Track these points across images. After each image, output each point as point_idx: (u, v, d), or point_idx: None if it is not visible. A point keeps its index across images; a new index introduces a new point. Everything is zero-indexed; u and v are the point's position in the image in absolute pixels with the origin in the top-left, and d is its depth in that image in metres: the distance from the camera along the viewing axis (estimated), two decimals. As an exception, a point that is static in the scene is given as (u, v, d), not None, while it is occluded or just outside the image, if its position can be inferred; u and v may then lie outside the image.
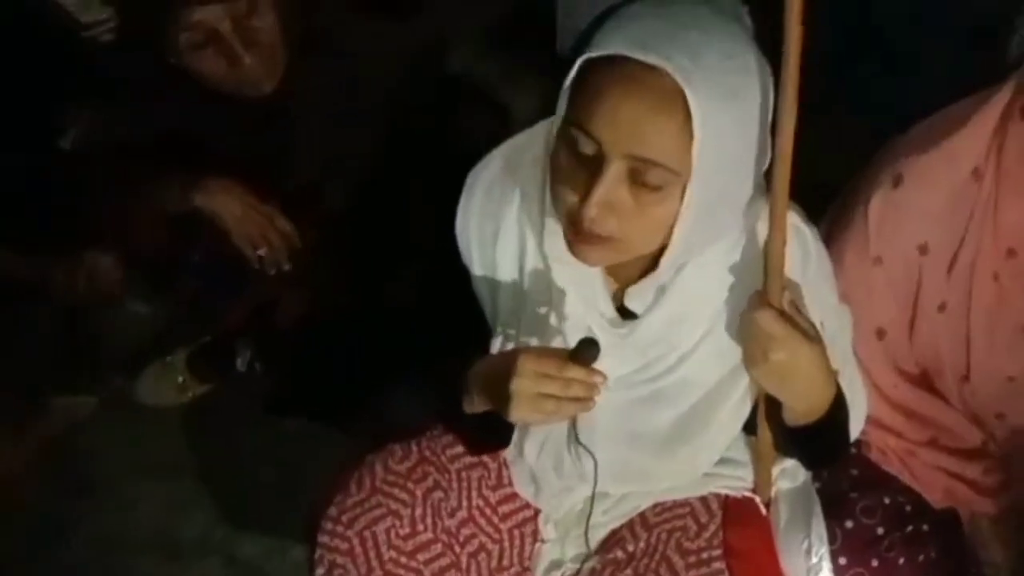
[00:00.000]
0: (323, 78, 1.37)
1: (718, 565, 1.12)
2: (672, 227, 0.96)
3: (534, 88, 1.51)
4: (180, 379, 1.78)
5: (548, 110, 1.01)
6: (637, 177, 0.93)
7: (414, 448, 1.25)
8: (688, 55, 0.88)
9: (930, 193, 1.13)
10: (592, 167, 0.93)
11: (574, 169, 0.95)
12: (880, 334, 1.21)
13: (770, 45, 0.88)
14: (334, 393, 1.57)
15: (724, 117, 0.90)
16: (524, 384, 0.98)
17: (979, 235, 1.13)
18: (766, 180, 0.97)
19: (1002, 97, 1.10)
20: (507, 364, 0.99)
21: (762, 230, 1.02)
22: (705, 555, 1.13)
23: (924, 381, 1.27)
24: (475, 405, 1.10)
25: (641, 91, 0.89)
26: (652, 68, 0.89)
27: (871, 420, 1.21)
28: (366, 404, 1.50)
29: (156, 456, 1.72)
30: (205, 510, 1.68)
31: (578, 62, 0.93)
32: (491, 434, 1.18)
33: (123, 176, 1.38)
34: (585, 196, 0.93)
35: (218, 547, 1.64)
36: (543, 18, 1.62)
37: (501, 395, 1.00)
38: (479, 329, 1.17)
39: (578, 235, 0.97)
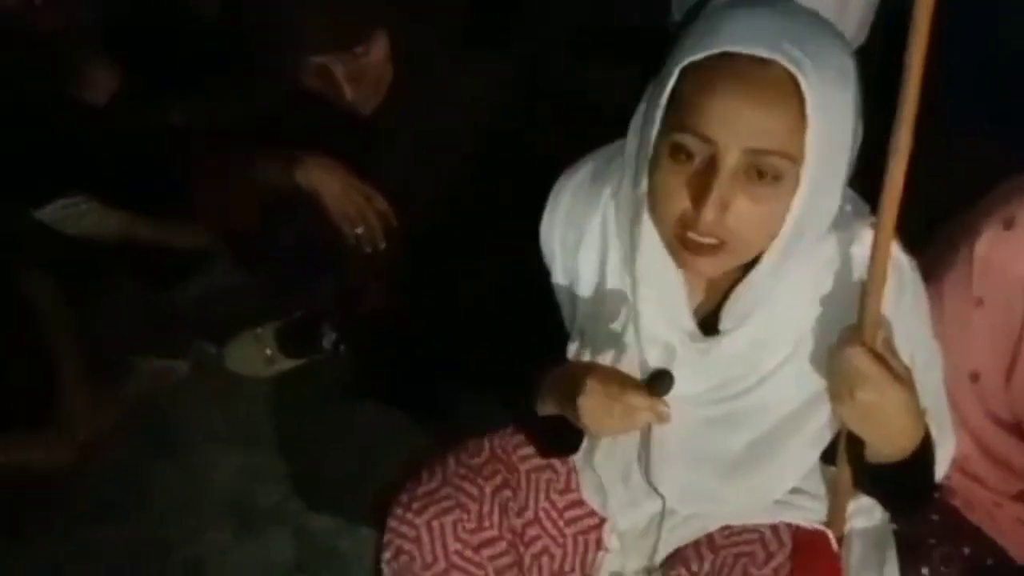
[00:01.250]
0: (419, 100, 1.41)
1: (783, 597, 1.10)
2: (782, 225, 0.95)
3: (623, 88, 1.52)
4: (268, 351, 1.83)
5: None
6: (753, 172, 0.92)
7: (486, 444, 1.26)
8: (795, 43, 0.89)
9: None
10: (704, 170, 0.93)
11: (683, 176, 0.95)
12: (975, 377, 1.18)
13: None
14: (411, 384, 1.59)
15: (833, 100, 0.91)
16: (589, 403, 1.00)
17: (1091, 283, 1.09)
18: (869, 203, 0.96)
19: None
20: (579, 377, 1.02)
21: (857, 254, 1.00)
22: (770, 584, 1.12)
23: (1018, 430, 1.22)
24: (548, 409, 1.11)
25: (754, 84, 0.90)
26: (760, 60, 0.89)
27: (958, 466, 1.18)
28: (439, 398, 1.52)
29: (238, 425, 1.77)
30: (280, 482, 1.72)
31: (676, 69, 0.93)
32: (561, 439, 1.19)
33: (228, 150, 1.44)
34: (700, 202, 0.93)
35: (290, 518, 1.68)
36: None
37: (572, 408, 1.02)
38: (555, 335, 1.18)
39: (689, 246, 0.97)
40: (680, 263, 1.01)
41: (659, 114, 0.96)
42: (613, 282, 1.10)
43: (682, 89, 0.94)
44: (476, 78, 1.42)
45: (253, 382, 1.83)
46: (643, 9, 1.64)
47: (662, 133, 0.96)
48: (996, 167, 1.20)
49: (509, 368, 1.19)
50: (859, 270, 1.00)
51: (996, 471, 1.21)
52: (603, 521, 1.26)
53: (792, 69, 0.88)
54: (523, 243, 1.17)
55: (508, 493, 1.22)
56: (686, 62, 0.93)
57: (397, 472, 1.26)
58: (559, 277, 1.15)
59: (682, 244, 0.98)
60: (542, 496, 1.25)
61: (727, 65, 0.91)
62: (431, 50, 1.41)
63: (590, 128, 1.16)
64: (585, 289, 1.13)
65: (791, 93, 0.89)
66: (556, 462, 1.27)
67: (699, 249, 0.96)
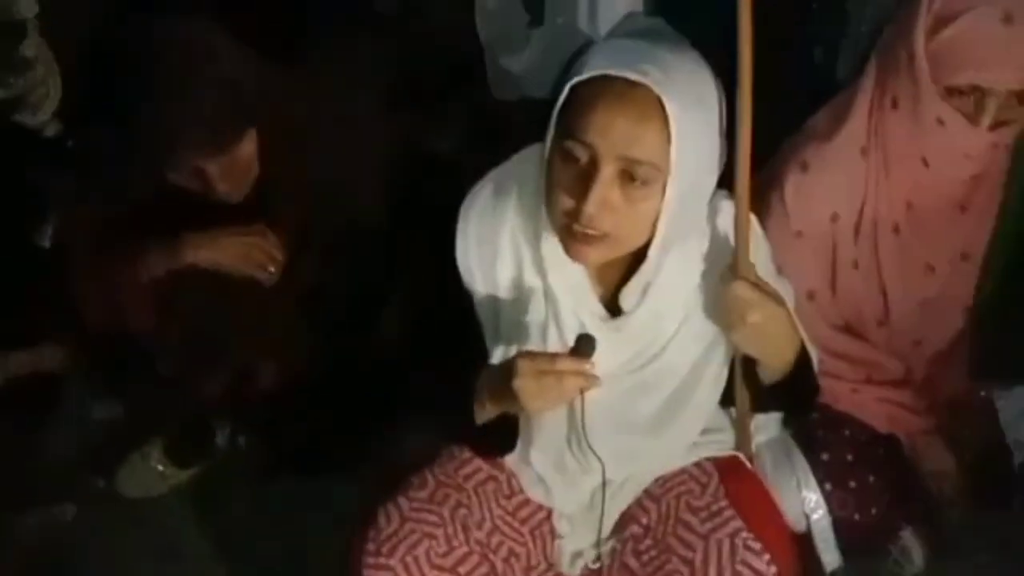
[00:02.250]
0: (295, 175, 1.46)
1: (729, 512, 1.26)
2: (655, 223, 1.13)
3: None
4: (160, 468, 1.79)
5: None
6: (627, 176, 1.10)
7: (428, 476, 1.34)
8: (661, 70, 1.08)
9: (832, 173, 1.38)
10: (587, 173, 1.10)
11: (570, 177, 1.12)
12: (810, 295, 1.44)
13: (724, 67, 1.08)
14: (331, 445, 1.64)
15: (694, 120, 1.10)
16: (523, 382, 1.11)
17: (875, 199, 1.38)
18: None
19: (865, 92, 1.36)
20: (508, 368, 1.13)
21: (720, 222, 1.21)
22: (715, 507, 1.28)
23: (850, 330, 1.50)
24: (487, 412, 1.21)
25: (627, 102, 1.08)
26: (633, 83, 1.08)
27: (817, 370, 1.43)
28: (366, 448, 1.59)
29: (152, 545, 1.71)
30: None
31: (567, 87, 1.11)
32: (499, 439, 1.29)
33: (109, 249, 1.42)
34: (583, 198, 1.10)
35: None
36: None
37: (508, 396, 1.13)
38: (481, 351, 1.29)
39: (576, 236, 1.13)
40: (569, 253, 1.17)
41: (553, 123, 1.13)
42: (530, 285, 1.24)
43: (570, 104, 1.11)
44: (359, 147, 1.49)
45: (155, 502, 1.78)
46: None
47: (554, 142, 1.14)
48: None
49: (442, 391, 1.27)
50: (725, 230, 1.22)
51: (844, 365, 1.47)
52: (551, 511, 1.37)
53: (658, 91, 1.07)
54: (433, 278, 1.28)
55: (464, 511, 1.31)
56: (574, 82, 1.11)
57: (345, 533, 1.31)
58: (480, 291, 1.27)
59: (570, 235, 1.14)
60: (493, 505, 1.35)
61: (606, 85, 1.09)
62: (308, 127, 1.46)
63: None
64: (506, 298, 1.25)
65: (657, 112, 1.08)
66: (495, 471, 1.37)
67: (585, 239, 1.13)
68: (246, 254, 1.50)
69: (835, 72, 1.65)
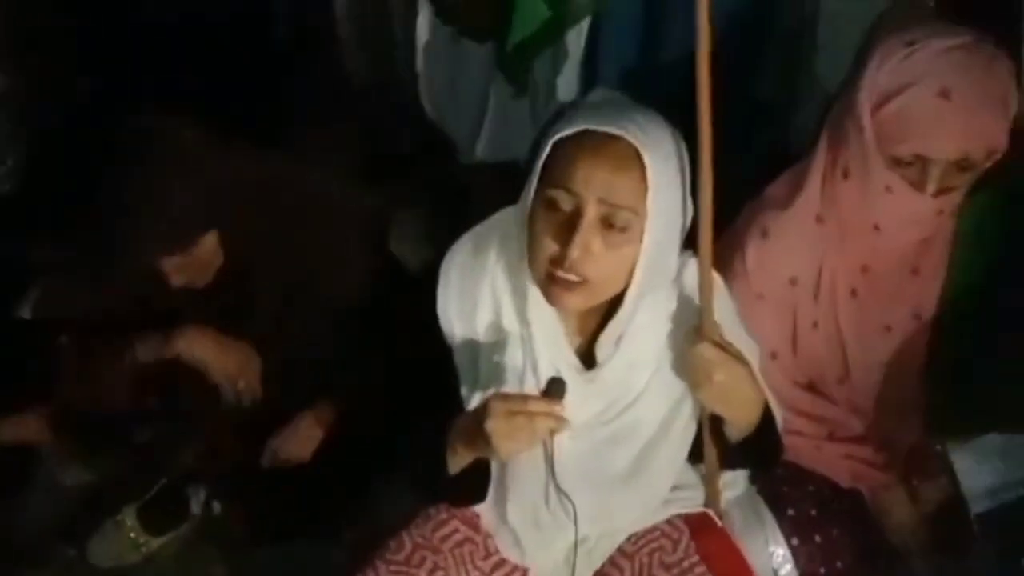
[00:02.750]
0: (262, 263, 1.50)
1: (700, 569, 1.32)
2: (631, 273, 1.20)
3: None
4: (132, 535, 1.78)
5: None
6: (607, 224, 1.17)
7: (405, 538, 1.37)
8: (638, 127, 1.17)
9: (790, 240, 1.45)
10: (570, 220, 1.17)
11: (553, 225, 1.19)
12: (773, 355, 1.49)
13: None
14: (307, 510, 1.65)
15: (666, 173, 1.18)
16: (496, 424, 1.15)
17: (832, 264, 1.46)
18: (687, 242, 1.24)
19: (817, 163, 1.44)
20: (481, 410, 1.17)
21: (687, 280, 1.28)
22: (686, 563, 1.33)
23: (812, 388, 1.55)
24: (460, 458, 1.24)
25: (608, 153, 1.16)
26: (613, 137, 1.16)
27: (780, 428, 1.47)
28: (343, 512, 1.60)
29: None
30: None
31: (549, 144, 1.19)
32: (472, 488, 1.32)
33: (99, 338, 1.45)
34: (567, 243, 1.17)
35: None
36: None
37: (480, 439, 1.16)
38: (450, 408, 1.31)
39: (558, 283, 1.19)
40: (551, 300, 1.23)
41: (535, 178, 1.20)
42: (509, 335, 1.29)
43: (553, 158, 1.19)
44: (330, 232, 1.54)
45: (127, 570, 1.77)
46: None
47: (537, 193, 1.20)
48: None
49: (416, 441, 1.30)
50: (691, 290, 1.28)
51: (807, 422, 1.52)
52: (527, 571, 1.40)
53: (636, 144, 1.16)
54: (410, 336, 1.31)
55: (441, 573, 1.34)
56: (557, 137, 1.18)
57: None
58: (459, 345, 1.31)
59: (552, 282, 1.20)
60: (470, 566, 1.38)
61: (588, 138, 1.17)
62: (270, 231, 1.50)
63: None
64: (485, 348, 1.30)
65: (635, 163, 1.16)
66: (471, 532, 1.40)
67: (567, 286, 1.19)
68: (226, 364, 1.55)
69: (786, 140, 1.74)
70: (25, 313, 1.56)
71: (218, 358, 1.51)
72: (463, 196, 1.95)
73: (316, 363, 1.57)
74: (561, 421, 1.16)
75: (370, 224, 1.58)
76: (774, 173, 1.54)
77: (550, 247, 1.19)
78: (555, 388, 1.17)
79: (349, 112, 1.96)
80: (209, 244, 1.43)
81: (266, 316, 1.54)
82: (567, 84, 1.78)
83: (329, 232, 1.53)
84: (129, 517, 1.79)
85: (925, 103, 1.28)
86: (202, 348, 1.50)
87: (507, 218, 1.32)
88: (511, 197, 1.33)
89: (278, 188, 1.50)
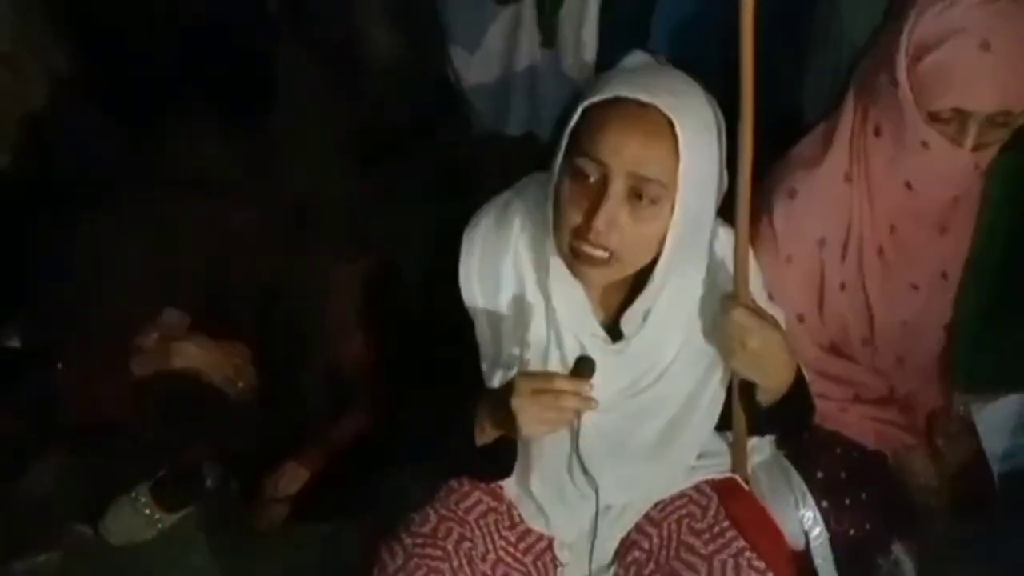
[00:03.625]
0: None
1: (731, 534, 1.29)
2: (659, 245, 1.16)
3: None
4: (147, 511, 1.75)
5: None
6: (635, 195, 1.13)
7: (430, 511, 1.34)
8: (672, 96, 1.12)
9: (818, 200, 1.42)
10: (596, 190, 1.14)
11: (580, 195, 1.15)
12: (800, 319, 1.48)
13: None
14: (325, 488, 1.63)
15: (701, 144, 1.14)
16: (522, 401, 1.13)
17: (860, 223, 1.43)
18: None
19: (845, 121, 1.41)
20: (508, 388, 1.15)
21: (718, 250, 1.25)
22: (716, 529, 1.31)
23: (836, 350, 1.54)
24: (487, 434, 1.22)
25: (638, 123, 1.12)
26: (645, 105, 1.12)
27: (807, 391, 1.46)
28: (362, 491, 1.58)
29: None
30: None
31: (580, 108, 1.15)
32: (498, 463, 1.29)
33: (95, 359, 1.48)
34: (592, 215, 1.13)
35: None
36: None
37: (507, 417, 1.14)
38: (471, 383, 1.29)
39: (582, 254, 1.16)
40: (575, 273, 1.19)
41: (563, 144, 1.16)
42: (533, 307, 1.26)
43: (582, 126, 1.15)
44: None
45: (141, 553, 1.74)
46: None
47: (565, 161, 1.16)
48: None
49: (442, 416, 1.27)
50: (721, 256, 1.25)
51: (832, 386, 1.51)
52: (552, 541, 1.38)
53: (668, 113, 1.11)
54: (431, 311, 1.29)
55: (468, 544, 1.31)
56: (587, 103, 1.14)
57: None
58: (481, 317, 1.28)
59: (577, 254, 1.17)
60: (496, 536, 1.36)
61: (618, 107, 1.13)
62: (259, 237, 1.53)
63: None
64: (508, 321, 1.27)
65: (667, 133, 1.12)
66: (495, 502, 1.38)
67: (592, 259, 1.16)
68: (223, 368, 1.60)
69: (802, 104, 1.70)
70: (13, 341, 1.53)
71: (213, 364, 1.55)
72: (473, 166, 1.91)
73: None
74: (588, 401, 1.13)
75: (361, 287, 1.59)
76: (789, 138, 1.51)
77: (575, 218, 1.15)
78: (583, 366, 1.15)
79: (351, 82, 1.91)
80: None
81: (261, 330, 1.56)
82: (590, 39, 1.73)
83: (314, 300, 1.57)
84: (143, 494, 1.76)
85: (966, 55, 1.26)
86: (197, 357, 1.54)
87: (532, 186, 1.28)
88: (527, 169, 1.31)
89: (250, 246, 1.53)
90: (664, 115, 1.12)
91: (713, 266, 1.26)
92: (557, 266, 1.22)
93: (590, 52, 1.74)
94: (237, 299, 1.55)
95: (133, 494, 1.76)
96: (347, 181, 1.62)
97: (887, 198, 1.40)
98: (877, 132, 1.36)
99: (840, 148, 1.41)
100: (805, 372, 1.34)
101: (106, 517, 1.76)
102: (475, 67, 1.82)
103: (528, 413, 1.13)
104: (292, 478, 1.65)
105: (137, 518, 1.76)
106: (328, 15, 1.82)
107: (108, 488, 1.77)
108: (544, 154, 1.21)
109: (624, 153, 1.12)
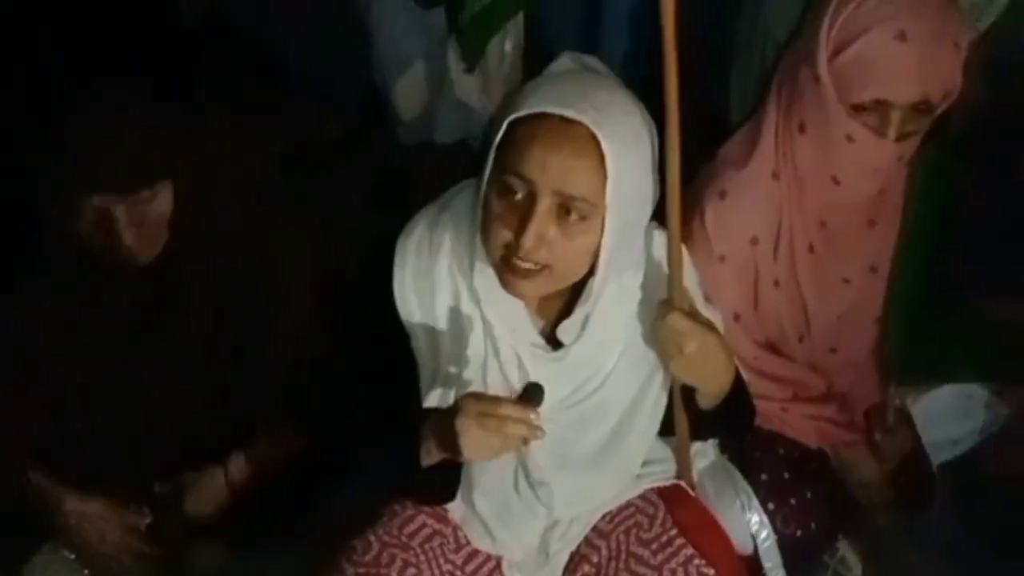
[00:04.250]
0: (203, 254, 1.42)
1: (680, 541, 1.27)
2: (595, 256, 1.14)
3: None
4: (74, 557, 1.65)
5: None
6: (563, 211, 1.11)
7: (372, 538, 1.30)
8: (597, 109, 1.10)
9: (748, 199, 1.43)
10: (524, 207, 1.11)
11: (507, 211, 1.12)
12: (736, 318, 1.47)
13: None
14: (263, 515, 1.57)
15: (628, 157, 1.11)
16: (466, 423, 1.09)
17: (790, 220, 1.44)
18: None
19: (770, 120, 1.42)
20: (454, 409, 1.12)
21: (653, 253, 1.23)
22: (665, 538, 1.29)
23: (773, 348, 1.54)
24: (432, 455, 1.18)
25: (563, 139, 1.09)
26: (570, 121, 1.09)
27: (747, 391, 1.45)
28: (301, 516, 1.53)
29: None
30: None
31: (505, 123, 1.12)
32: (442, 484, 1.26)
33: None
34: (520, 231, 1.10)
35: None
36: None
37: (452, 437, 1.10)
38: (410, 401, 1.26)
39: (513, 269, 1.13)
40: (506, 287, 1.17)
41: (491, 157, 1.13)
42: (469, 315, 1.23)
43: (508, 141, 1.12)
44: (273, 233, 1.45)
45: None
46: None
47: (492, 177, 1.14)
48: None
49: (383, 437, 1.23)
50: (658, 259, 1.23)
51: (771, 385, 1.51)
52: (500, 560, 1.35)
53: (594, 129, 1.09)
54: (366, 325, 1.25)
55: (413, 571, 1.28)
56: (512, 118, 1.11)
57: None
58: (418, 329, 1.25)
59: (507, 268, 1.14)
60: (442, 561, 1.32)
61: (543, 122, 1.10)
62: (221, 205, 1.41)
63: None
64: (445, 332, 1.24)
65: (593, 149, 1.09)
66: (440, 526, 1.34)
67: (523, 273, 1.13)
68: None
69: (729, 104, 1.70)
70: None
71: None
72: (404, 178, 1.87)
73: (261, 369, 1.49)
74: (534, 429, 1.10)
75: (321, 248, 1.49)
76: (720, 139, 1.51)
77: (504, 234, 1.13)
78: (532, 393, 1.12)
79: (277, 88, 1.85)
80: (164, 201, 1.33)
81: (202, 312, 1.44)
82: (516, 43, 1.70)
83: (277, 233, 1.45)
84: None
85: (883, 47, 1.27)
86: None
87: (461, 197, 1.26)
88: (461, 176, 1.27)
89: (224, 160, 1.42)
90: (590, 131, 1.09)
91: (650, 269, 1.25)
92: (490, 277, 1.19)
93: (515, 65, 1.71)
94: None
95: (55, 540, 1.66)
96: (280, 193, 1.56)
97: (815, 194, 1.40)
98: (802, 129, 1.37)
99: (766, 147, 1.41)
100: (744, 372, 1.33)
101: (29, 565, 1.66)
102: (401, 76, 1.78)
103: (471, 436, 1.09)
104: (209, 491, 1.55)
105: (60, 565, 1.66)
106: (249, 25, 1.77)
107: (31, 535, 1.67)
108: (476, 160, 1.18)
109: (549, 171, 1.09)
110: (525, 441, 1.11)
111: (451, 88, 1.75)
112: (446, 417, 1.12)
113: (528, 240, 1.10)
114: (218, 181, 1.40)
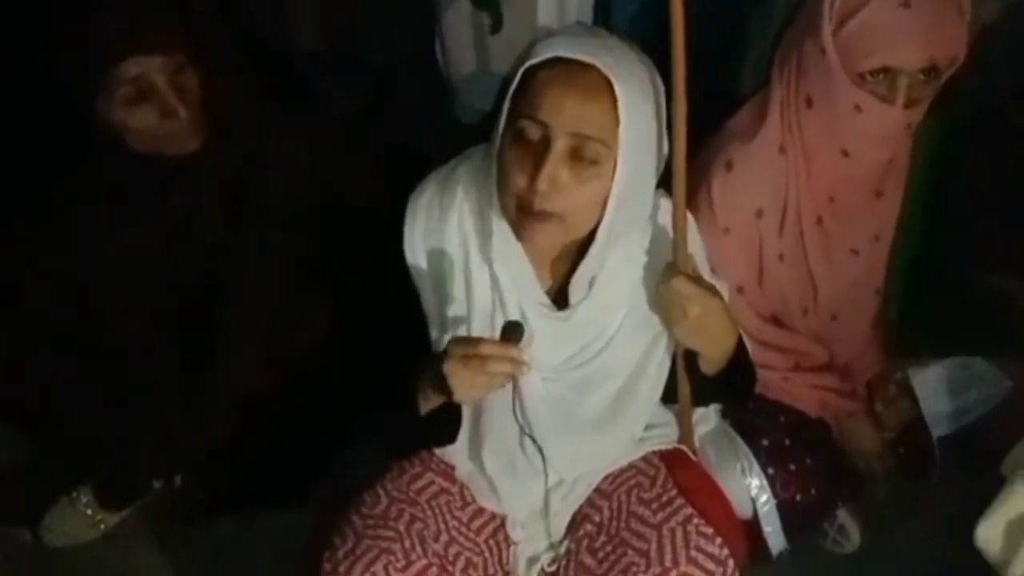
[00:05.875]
0: (232, 154, 1.46)
1: (680, 502, 1.29)
2: (603, 209, 1.17)
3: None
4: (89, 512, 1.70)
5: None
6: (576, 155, 1.14)
7: (381, 492, 1.34)
8: (612, 57, 1.14)
9: (755, 172, 1.44)
10: (538, 151, 1.14)
11: (522, 156, 1.15)
12: (740, 290, 1.49)
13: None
14: (269, 477, 1.61)
15: (640, 105, 1.15)
16: (452, 366, 1.13)
17: (797, 194, 1.45)
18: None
19: (775, 95, 1.43)
20: (443, 353, 1.15)
21: (659, 220, 1.26)
22: (665, 498, 1.31)
23: (776, 320, 1.56)
24: (430, 401, 1.23)
25: (578, 82, 1.13)
26: (585, 65, 1.13)
27: (750, 361, 1.48)
28: (315, 472, 1.56)
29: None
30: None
31: (520, 70, 1.15)
32: (441, 429, 1.30)
33: None
34: (535, 175, 1.13)
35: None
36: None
37: (442, 380, 1.14)
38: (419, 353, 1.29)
39: (528, 215, 1.16)
40: (521, 236, 1.19)
41: (505, 108, 1.17)
42: (477, 274, 1.26)
43: (523, 87, 1.15)
44: (294, 133, 1.49)
45: (83, 555, 1.69)
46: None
47: (507, 124, 1.17)
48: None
49: (385, 383, 1.27)
50: (664, 228, 1.26)
51: (774, 355, 1.53)
52: (504, 519, 1.39)
53: (607, 73, 1.12)
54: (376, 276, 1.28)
55: (420, 525, 1.31)
56: (527, 65, 1.15)
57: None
58: (427, 286, 1.28)
59: (522, 216, 1.17)
60: (448, 516, 1.35)
61: (558, 67, 1.14)
62: (246, 101, 1.47)
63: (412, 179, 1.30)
64: (453, 288, 1.27)
65: (607, 93, 1.13)
66: (447, 483, 1.38)
67: (536, 218, 1.15)
68: None
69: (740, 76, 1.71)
70: None
71: None
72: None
73: (266, 309, 1.53)
74: (519, 365, 1.13)
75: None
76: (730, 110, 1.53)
77: (518, 180, 1.15)
78: (512, 331, 1.14)
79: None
80: (191, 77, 1.38)
81: (213, 222, 1.49)
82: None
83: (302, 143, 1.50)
84: (84, 493, 1.71)
85: (888, 14, 1.29)
86: None
87: (474, 156, 1.28)
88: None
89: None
90: (604, 75, 1.13)
91: (656, 236, 1.27)
92: (501, 232, 1.22)
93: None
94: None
95: (74, 494, 1.71)
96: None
97: (824, 168, 1.42)
98: (808, 103, 1.39)
99: (773, 120, 1.43)
100: (747, 342, 1.36)
101: (45, 519, 1.71)
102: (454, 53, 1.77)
103: (458, 377, 1.13)
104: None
105: (79, 518, 1.71)
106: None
107: (47, 488, 1.72)
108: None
109: (564, 112, 1.13)
110: (510, 377, 1.14)
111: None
112: (436, 362, 1.16)
113: (542, 183, 1.13)
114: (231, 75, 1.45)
